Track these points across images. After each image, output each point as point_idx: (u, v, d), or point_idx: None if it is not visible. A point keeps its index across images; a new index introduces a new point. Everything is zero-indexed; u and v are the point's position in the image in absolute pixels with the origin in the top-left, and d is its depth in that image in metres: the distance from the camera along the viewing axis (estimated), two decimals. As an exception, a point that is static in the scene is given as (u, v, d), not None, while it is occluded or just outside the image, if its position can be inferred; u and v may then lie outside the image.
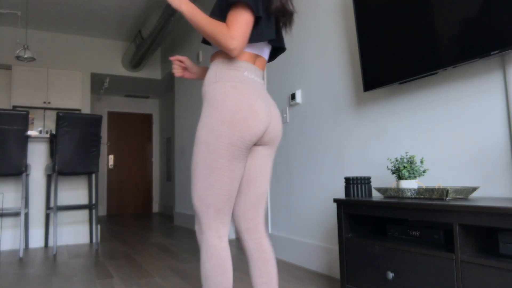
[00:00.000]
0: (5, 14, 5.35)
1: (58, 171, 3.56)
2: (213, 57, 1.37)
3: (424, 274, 1.44)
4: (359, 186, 1.89)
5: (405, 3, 1.88)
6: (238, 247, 3.62)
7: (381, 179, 2.18)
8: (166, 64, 6.72)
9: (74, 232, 4.12)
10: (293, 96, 2.97)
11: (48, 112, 5.96)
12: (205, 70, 1.54)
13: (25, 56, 4.79)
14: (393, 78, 1.96)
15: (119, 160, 8.12)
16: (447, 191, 1.46)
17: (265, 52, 1.39)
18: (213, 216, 1.26)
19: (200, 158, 1.24)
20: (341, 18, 2.54)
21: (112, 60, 6.54)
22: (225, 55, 1.32)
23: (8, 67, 5.82)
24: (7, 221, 3.82)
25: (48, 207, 3.96)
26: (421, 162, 1.71)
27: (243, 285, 2.32)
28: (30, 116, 5.77)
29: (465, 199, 1.49)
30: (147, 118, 8.57)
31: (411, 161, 1.70)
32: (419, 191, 1.59)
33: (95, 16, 5.58)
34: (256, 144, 1.35)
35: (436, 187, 1.53)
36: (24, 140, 3.44)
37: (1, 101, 5.80)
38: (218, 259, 1.23)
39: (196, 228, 1.30)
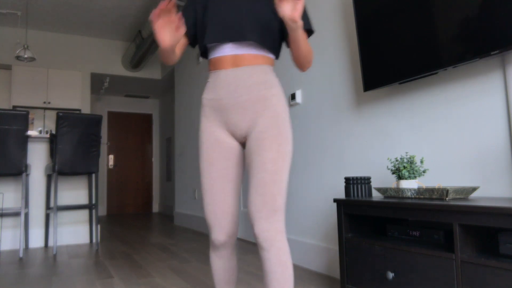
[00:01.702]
0: (5, 14, 5.35)
1: (58, 171, 3.56)
2: (257, 59, 1.34)
3: (424, 274, 1.44)
4: (359, 186, 1.89)
5: (405, 3, 1.88)
6: (238, 247, 3.62)
7: (381, 179, 2.18)
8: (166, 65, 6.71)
9: (74, 232, 4.12)
10: (293, 96, 2.97)
11: (48, 112, 5.96)
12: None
13: (25, 56, 4.79)
14: (393, 78, 1.96)
15: (119, 160, 8.12)
16: (447, 191, 1.46)
17: None
18: None
19: (287, 171, 1.29)
20: (341, 18, 2.54)
21: (112, 60, 6.54)
22: (272, 61, 1.40)
23: (8, 67, 5.82)
24: (7, 221, 3.82)
25: (48, 207, 3.96)
26: (421, 162, 1.71)
27: (243, 285, 2.32)
28: (30, 116, 5.77)
29: (465, 199, 1.49)
30: (147, 118, 8.57)
31: (411, 161, 1.70)
32: (419, 191, 1.59)
33: (95, 16, 5.58)
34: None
35: (436, 187, 1.53)
36: (24, 140, 3.44)
37: (1, 101, 5.80)
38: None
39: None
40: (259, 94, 1.30)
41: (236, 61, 1.31)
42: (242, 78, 1.31)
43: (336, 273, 2.47)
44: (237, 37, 1.29)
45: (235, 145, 1.36)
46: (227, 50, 1.32)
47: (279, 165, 1.25)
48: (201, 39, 1.37)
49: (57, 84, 5.98)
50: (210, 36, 1.32)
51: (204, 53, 1.41)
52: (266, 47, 1.32)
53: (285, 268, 1.22)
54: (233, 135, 1.35)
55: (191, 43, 1.45)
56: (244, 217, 3.99)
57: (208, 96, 1.36)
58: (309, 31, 1.38)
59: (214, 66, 1.35)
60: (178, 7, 4.37)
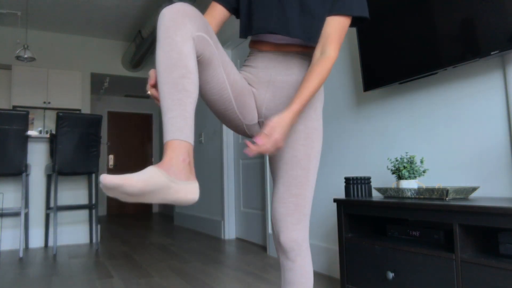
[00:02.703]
0: (5, 14, 5.35)
1: (58, 171, 3.56)
2: (303, 48, 1.20)
3: (424, 274, 1.44)
4: (359, 186, 1.89)
5: (405, 3, 1.88)
6: (238, 247, 3.62)
7: (381, 179, 2.18)
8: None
9: (74, 232, 4.12)
10: (293, 96, 2.97)
11: (48, 112, 5.96)
12: None
13: (25, 56, 4.79)
14: (393, 78, 1.96)
15: (119, 160, 8.12)
16: (447, 191, 1.46)
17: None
18: None
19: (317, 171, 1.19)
20: (341, 18, 2.54)
21: (112, 60, 6.54)
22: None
23: (8, 67, 5.82)
24: (7, 221, 3.82)
25: (48, 207, 3.96)
26: (421, 162, 1.71)
27: (243, 285, 2.32)
28: (30, 116, 5.77)
29: (465, 199, 1.49)
30: (147, 118, 8.57)
31: (411, 161, 1.70)
32: (419, 191, 1.59)
33: (95, 16, 5.58)
34: None
35: (436, 187, 1.53)
36: (24, 140, 3.44)
37: (1, 101, 5.80)
38: None
39: None
40: (299, 80, 1.19)
41: (280, 47, 1.20)
42: (284, 58, 1.19)
43: (336, 273, 2.47)
44: (281, 31, 1.15)
45: (255, 116, 1.20)
46: (272, 39, 1.21)
47: (312, 163, 1.15)
48: (244, 23, 1.22)
49: (57, 84, 5.97)
50: (254, 25, 1.18)
51: (244, 33, 1.25)
52: (314, 41, 1.16)
53: (308, 279, 1.15)
54: (260, 112, 1.21)
55: (235, 15, 1.29)
56: (244, 216, 3.99)
57: (246, 63, 1.25)
58: (358, 18, 1.17)
59: (255, 45, 1.24)
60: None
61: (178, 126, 0.87)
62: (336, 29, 1.12)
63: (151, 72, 1.01)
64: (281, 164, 1.17)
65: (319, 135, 1.19)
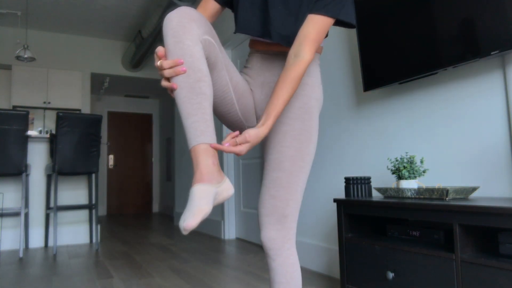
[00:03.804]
0: (5, 14, 5.35)
1: (58, 171, 3.56)
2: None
3: (424, 274, 1.44)
4: (359, 186, 1.89)
5: (406, 3, 1.88)
6: (238, 247, 3.62)
7: (381, 179, 2.18)
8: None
9: (74, 232, 4.12)
10: (293, 96, 2.97)
11: (48, 112, 5.96)
12: None
13: (25, 56, 4.79)
14: (393, 78, 1.96)
15: (119, 160, 8.12)
16: (447, 191, 1.46)
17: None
18: None
19: (306, 174, 1.18)
20: (341, 18, 2.53)
21: (112, 60, 6.54)
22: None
23: (8, 67, 5.82)
24: (7, 221, 3.82)
25: (48, 207, 3.96)
26: (421, 162, 1.71)
27: (243, 285, 2.32)
28: (30, 116, 5.77)
29: (465, 199, 1.49)
30: (147, 118, 8.57)
31: (411, 161, 1.70)
32: (419, 191, 1.59)
33: (95, 16, 5.58)
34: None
35: (436, 187, 1.53)
36: (24, 140, 3.44)
37: (1, 101, 5.80)
38: None
39: None
40: None
41: (269, 46, 1.20)
42: (277, 58, 1.20)
43: (336, 273, 2.47)
44: (263, 35, 1.15)
45: (255, 118, 1.22)
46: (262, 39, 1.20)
47: (297, 165, 1.12)
48: (235, 18, 1.20)
49: (57, 84, 5.97)
50: (238, 24, 1.17)
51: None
52: None
53: (291, 279, 1.15)
54: (255, 113, 1.23)
55: (230, 8, 1.28)
56: (244, 216, 3.99)
57: (245, 64, 1.27)
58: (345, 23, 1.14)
59: (252, 44, 1.24)
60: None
61: (201, 129, 0.90)
62: (314, 29, 1.06)
63: (159, 48, 0.96)
64: (265, 165, 1.17)
65: (310, 136, 1.15)
